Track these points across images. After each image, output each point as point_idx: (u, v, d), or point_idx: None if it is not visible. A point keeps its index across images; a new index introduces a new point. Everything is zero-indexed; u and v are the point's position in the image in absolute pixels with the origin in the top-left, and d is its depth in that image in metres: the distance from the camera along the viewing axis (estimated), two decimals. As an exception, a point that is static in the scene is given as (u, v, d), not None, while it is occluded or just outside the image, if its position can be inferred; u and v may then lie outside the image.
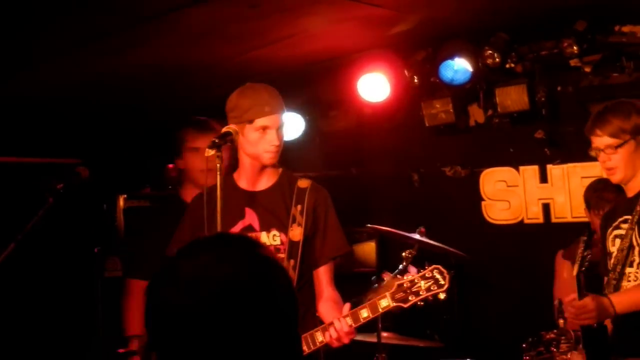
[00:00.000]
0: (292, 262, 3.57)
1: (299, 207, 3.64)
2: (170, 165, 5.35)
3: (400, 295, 3.37)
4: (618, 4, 5.18)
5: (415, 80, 6.02)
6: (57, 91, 5.38)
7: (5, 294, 5.34)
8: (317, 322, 3.58)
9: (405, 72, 6.01)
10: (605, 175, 4.24)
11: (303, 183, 3.72)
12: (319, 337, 3.43)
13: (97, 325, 4.46)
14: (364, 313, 3.39)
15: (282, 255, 3.56)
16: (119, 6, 4.04)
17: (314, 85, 6.34)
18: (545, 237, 5.83)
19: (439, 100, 6.03)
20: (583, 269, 3.89)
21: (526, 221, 6.09)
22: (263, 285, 1.52)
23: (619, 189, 4.30)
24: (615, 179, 3.95)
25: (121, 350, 4.28)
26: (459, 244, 5.02)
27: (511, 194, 6.15)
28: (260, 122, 3.55)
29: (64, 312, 5.62)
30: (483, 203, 6.26)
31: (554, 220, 5.97)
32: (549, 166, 5.97)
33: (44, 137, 5.65)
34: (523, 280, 5.89)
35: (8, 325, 5.41)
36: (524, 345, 4.64)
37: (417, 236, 4.80)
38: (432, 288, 3.35)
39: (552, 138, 5.89)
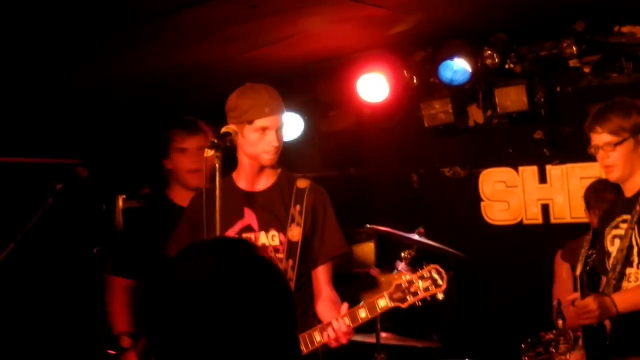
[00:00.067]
0: (290, 262, 3.57)
1: (297, 207, 3.65)
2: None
3: (398, 295, 3.37)
4: (617, 5, 5.18)
5: (415, 81, 6.02)
6: (57, 91, 5.38)
7: (4, 294, 5.34)
8: (315, 322, 3.59)
9: (405, 72, 6.01)
10: (603, 174, 4.24)
11: (302, 183, 3.72)
12: (317, 337, 3.43)
13: (96, 325, 4.45)
14: (362, 313, 3.39)
15: (280, 255, 3.56)
16: (118, 6, 4.04)
17: (313, 86, 6.35)
18: (545, 238, 5.83)
19: (438, 100, 6.03)
20: (587, 268, 3.89)
21: (525, 222, 6.09)
22: (261, 288, 1.53)
23: (618, 189, 4.30)
24: (613, 176, 3.95)
25: (112, 352, 4.28)
26: (458, 245, 5.03)
27: (510, 195, 6.15)
28: (259, 122, 3.55)
29: (63, 312, 5.62)
30: (482, 203, 6.26)
31: (553, 220, 5.97)
32: (548, 167, 5.98)
33: (43, 138, 5.65)
34: (522, 280, 5.89)
35: (8, 325, 5.41)
36: (522, 346, 4.64)
37: (416, 237, 4.81)
38: (429, 288, 3.35)
39: (551, 138, 5.90)
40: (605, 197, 4.79)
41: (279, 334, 1.53)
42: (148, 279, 4.22)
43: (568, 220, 5.87)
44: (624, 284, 3.79)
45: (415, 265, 4.03)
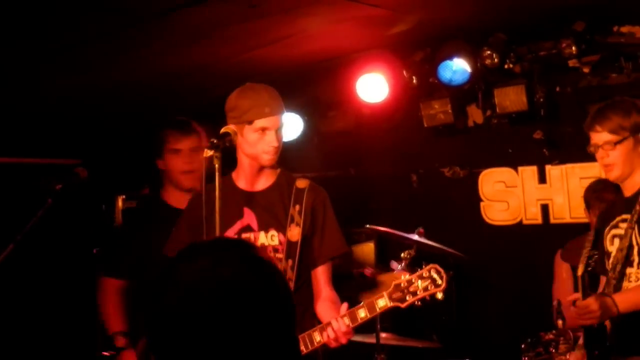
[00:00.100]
0: (290, 262, 3.56)
1: (297, 207, 3.64)
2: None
3: (397, 295, 3.36)
4: (617, 5, 5.18)
5: (414, 81, 6.03)
6: (56, 92, 5.38)
7: (4, 294, 5.35)
8: (315, 322, 3.58)
9: (404, 72, 6.01)
10: (603, 173, 4.24)
11: (301, 183, 3.72)
12: (317, 337, 3.42)
13: (95, 325, 4.45)
14: (362, 313, 3.39)
15: (280, 255, 3.56)
16: (118, 7, 4.04)
17: (313, 86, 6.35)
18: (544, 238, 5.83)
19: (438, 100, 6.03)
20: (589, 269, 3.89)
21: (525, 222, 6.09)
22: (260, 288, 1.53)
23: (618, 189, 4.30)
24: (612, 175, 3.95)
25: (106, 353, 4.28)
26: (458, 245, 5.03)
27: (510, 195, 6.15)
28: (259, 123, 3.54)
29: (63, 312, 5.62)
30: (482, 204, 6.26)
31: (552, 221, 5.97)
32: (547, 167, 5.98)
33: (42, 138, 5.65)
34: (522, 281, 5.89)
35: (7, 325, 5.41)
36: (522, 346, 4.65)
37: (415, 237, 4.82)
38: (429, 288, 3.34)
39: (550, 138, 5.90)
40: (604, 197, 4.79)
41: (278, 334, 1.53)
42: (142, 279, 4.24)
43: (568, 220, 5.87)
44: (625, 283, 3.79)
45: (414, 265, 4.03)
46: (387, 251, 6.20)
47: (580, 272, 3.85)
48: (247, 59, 5.33)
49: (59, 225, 5.11)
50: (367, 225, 5.32)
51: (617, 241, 3.85)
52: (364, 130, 6.70)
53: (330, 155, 6.79)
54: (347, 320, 3.39)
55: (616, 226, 3.90)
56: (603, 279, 3.94)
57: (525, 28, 5.56)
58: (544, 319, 4.65)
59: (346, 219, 3.99)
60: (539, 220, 6.03)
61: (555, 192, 5.96)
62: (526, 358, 4.61)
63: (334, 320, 3.39)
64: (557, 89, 5.82)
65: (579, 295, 3.81)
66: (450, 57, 5.67)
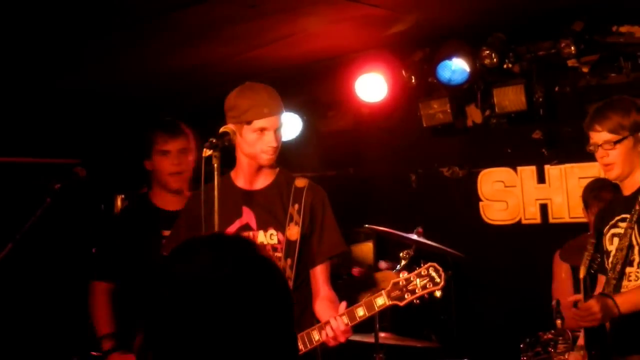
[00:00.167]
0: (289, 261, 3.56)
1: (296, 206, 3.64)
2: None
3: (396, 293, 3.36)
4: (615, 4, 5.19)
5: (413, 81, 6.03)
6: (55, 91, 5.38)
7: (2, 293, 5.34)
8: (314, 320, 3.58)
9: (403, 72, 6.02)
10: (602, 172, 4.23)
11: (300, 182, 3.72)
12: (316, 336, 3.42)
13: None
14: (360, 311, 3.39)
15: (279, 254, 3.56)
16: (118, 6, 4.05)
17: (312, 85, 6.35)
18: (543, 238, 5.83)
19: (437, 100, 6.03)
20: (592, 271, 3.89)
21: (524, 221, 6.10)
22: (259, 286, 1.53)
23: (616, 188, 4.30)
24: (612, 175, 3.94)
25: (94, 353, 4.29)
26: (457, 245, 5.03)
27: (509, 195, 6.15)
28: (258, 123, 3.54)
29: (61, 311, 5.62)
30: (481, 203, 6.26)
31: (551, 220, 5.98)
32: (546, 166, 5.98)
33: (42, 138, 5.65)
34: (520, 280, 5.89)
35: (5, 324, 5.41)
36: (521, 346, 4.65)
37: (414, 236, 4.82)
38: (427, 286, 3.34)
39: (549, 138, 5.90)
40: (602, 196, 4.78)
41: (276, 332, 1.53)
42: (131, 281, 4.25)
43: (567, 220, 5.88)
44: (624, 282, 3.79)
45: (413, 265, 4.03)
46: (386, 251, 6.21)
47: (582, 274, 3.84)
48: (246, 58, 5.33)
49: (57, 225, 5.12)
50: (366, 225, 5.32)
51: (616, 240, 3.85)
52: (363, 130, 6.71)
53: (329, 154, 6.79)
54: (345, 319, 3.38)
55: (615, 225, 3.90)
56: (602, 278, 3.94)
57: (524, 28, 5.57)
58: (543, 318, 4.65)
59: (345, 219, 3.99)
60: (538, 220, 6.03)
61: (554, 192, 5.96)
62: (525, 357, 4.61)
63: (333, 319, 3.39)
64: (556, 88, 5.83)
65: (580, 296, 3.81)
66: (449, 57, 5.68)
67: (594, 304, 3.64)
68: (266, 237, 3.61)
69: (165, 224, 4.32)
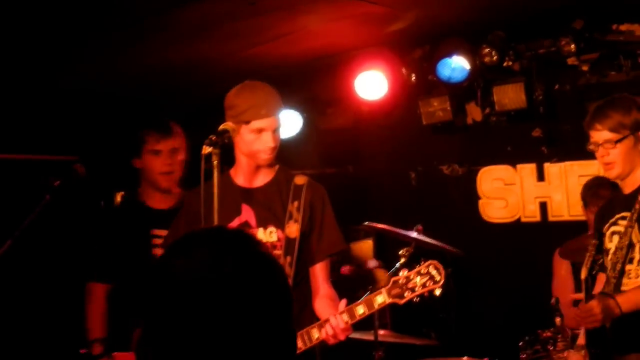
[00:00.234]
0: (288, 258, 3.56)
1: (295, 203, 3.64)
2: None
3: (396, 291, 3.36)
4: (615, 3, 5.19)
5: (413, 78, 6.03)
6: (55, 88, 5.38)
7: (2, 290, 5.34)
8: (313, 318, 3.58)
9: (403, 70, 6.01)
10: (602, 171, 4.23)
11: (300, 180, 3.71)
12: (315, 334, 3.42)
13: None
14: (360, 309, 3.39)
15: (278, 252, 3.55)
16: (118, 3, 4.04)
17: (312, 83, 6.34)
18: (542, 236, 5.83)
19: (437, 98, 6.03)
20: (594, 272, 3.88)
21: (523, 219, 6.10)
22: (259, 283, 1.52)
23: (614, 186, 4.30)
24: (612, 174, 3.94)
25: (82, 351, 4.29)
26: (456, 242, 5.02)
27: (508, 192, 6.15)
28: (256, 124, 3.53)
29: (61, 309, 5.61)
30: (480, 201, 6.26)
31: (551, 218, 5.98)
32: (546, 164, 5.98)
33: (41, 135, 5.64)
34: (520, 278, 5.89)
35: (4, 322, 5.41)
36: (520, 344, 4.64)
37: (414, 234, 4.81)
38: (427, 284, 3.34)
39: (549, 136, 5.90)
40: (601, 194, 4.78)
41: (276, 329, 1.52)
42: (123, 280, 4.25)
43: (566, 218, 5.88)
44: (624, 280, 3.79)
45: (412, 263, 4.03)
46: (386, 248, 6.20)
47: (583, 275, 3.84)
48: (245, 56, 5.32)
49: (56, 222, 5.11)
50: (366, 223, 5.31)
51: (616, 238, 3.85)
52: (363, 128, 6.70)
53: (328, 152, 6.78)
54: (345, 317, 3.38)
55: (615, 223, 3.90)
56: (602, 276, 3.93)
57: (524, 26, 5.57)
58: (542, 316, 4.65)
59: (345, 216, 3.98)
60: (538, 218, 6.04)
61: (553, 190, 5.96)
62: (524, 355, 4.60)
63: (333, 317, 3.39)
64: (556, 86, 5.83)
65: (581, 295, 3.81)
66: (449, 55, 5.68)
67: (595, 305, 3.64)
68: (265, 235, 3.60)
69: (155, 222, 4.34)
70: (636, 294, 3.71)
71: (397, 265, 4.51)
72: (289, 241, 3.58)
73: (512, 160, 6.12)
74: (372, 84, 6.05)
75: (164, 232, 4.28)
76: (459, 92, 6.05)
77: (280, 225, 3.61)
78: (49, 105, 5.63)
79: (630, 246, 3.77)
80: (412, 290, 3.35)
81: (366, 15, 4.89)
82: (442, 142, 6.38)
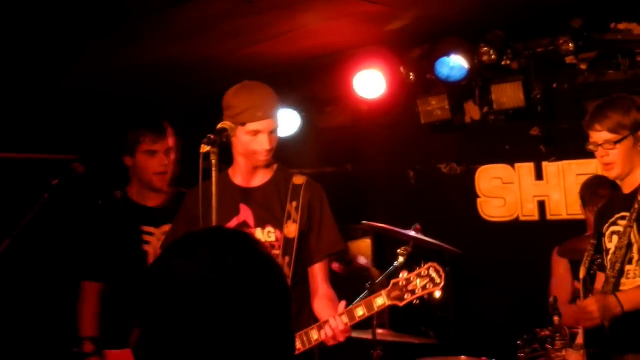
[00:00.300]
0: (287, 258, 3.56)
1: (294, 203, 3.63)
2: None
3: (395, 293, 3.36)
4: (614, 1, 5.19)
5: (411, 77, 6.02)
6: (53, 87, 5.37)
7: (0, 288, 5.34)
8: (311, 318, 3.58)
9: (401, 68, 6.01)
10: (602, 171, 4.23)
11: (298, 179, 3.70)
12: (314, 335, 3.42)
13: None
14: (360, 311, 3.38)
15: (276, 252, 3.55)
16: (116, 2, 4.04)
17: (310, 82, 6.34)
18: (541, 234, 5.84)
19: (435, 96, 6.03)
20: (592, 272, 3.88)
21: (521, 218, 6.10)
22: (258, 282, 1.52)
23: (613, 185, 4.30)
24: (612, 174, 3.94)
25: (74, 349, 4.29)
26: (454, 241, 5.02)
27: (506, 191, 6.15)
28: (251, 126, 3.51)
29: (59, 308, 5.61)
30: (478, 200, 6.26)
31: (549, 217, 5.98)
32: (544, 163, 5.98)
33: (39, 133, 5.63)
34: (518, 277, 5.89)
35: (4, 320, 5.41)
36: (518, 342, 4.65)
37: (412, 233, 4.81)
38: (427, 286, 3.34)
39: (547, 135, 5.90)
40: (600, 193, 4.79)
41: (274, 328, 1.53)
42: (116, 278, 4.26)
43: (564, 216, 5.88)
44: (623, 280, 3.79)
45: (411, 261, 4.03)
46: (384, 247, 6.20)
47: (582, 274, 3.84)
48: (244, 54, 5.32)
49: (55, 220, 5.11)
50: (364, 221, 5.31)
51: (615, 238, 3.85)
52: (361, 126, 6.70)
53: (327, 151, 6.78)
54: (345, 319, 3.38)
55: (615, 223, 3.90)
56: (600, 276, 3.94)
57: (523, 24, 5.56)
58: (540, 315, 4.65)
59: (343, 215, 3.98)
60: (536, 217, 6.04)
61: (551, 189, 5.96)
62: (522, 354, 4.61)
63: (332, 319, 3.38)
64: (554, 85, 5.83)
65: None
66: (447, 54, 5.67)
67: (591, 303, 3.64)
68: (264, 235, 3.60)
69: (145, 219, 4.37)
70: (637, 293, 3.71)
71: (395, 264, 4.51)
72: (287, 241, 3.58)
73: (510, 158, 6.12)
74: (370, 83, 6.05)
75: (153, 229, 4.30)
76: (457, 90, 6.05)
77: (279, 225, 3.60)
78: (48, 104, 5.63)
79: (629, 246, 3.77)
80: (412, 292, 3.35)
81: (365, 14, 4.89)
82: (440, 141, 6.39)
